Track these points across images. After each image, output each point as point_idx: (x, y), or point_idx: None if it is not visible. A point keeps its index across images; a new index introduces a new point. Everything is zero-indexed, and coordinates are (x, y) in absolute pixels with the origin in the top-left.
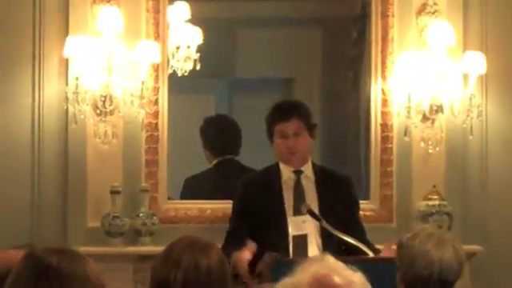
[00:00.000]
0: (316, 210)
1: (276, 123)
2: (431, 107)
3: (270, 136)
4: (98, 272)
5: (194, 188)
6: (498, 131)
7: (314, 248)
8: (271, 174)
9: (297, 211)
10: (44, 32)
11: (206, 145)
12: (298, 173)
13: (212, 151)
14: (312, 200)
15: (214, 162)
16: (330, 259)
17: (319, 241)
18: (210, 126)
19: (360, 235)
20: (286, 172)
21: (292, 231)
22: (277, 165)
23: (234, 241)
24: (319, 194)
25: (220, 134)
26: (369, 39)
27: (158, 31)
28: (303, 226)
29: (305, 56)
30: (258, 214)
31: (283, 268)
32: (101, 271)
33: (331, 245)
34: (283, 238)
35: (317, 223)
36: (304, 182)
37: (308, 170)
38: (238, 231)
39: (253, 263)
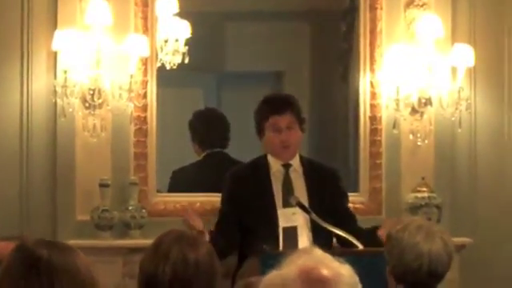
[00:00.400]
0: (305, 203)
1: (269, 117)
2: (420, 100)
3: (261, 130)
4: (89, 264)
5: (181, 180)
6: (487, 124)
7: (304, 240)
8: (259, 167)
9: (286, 203)
10: (32, 25)
11: (194, 138)
12: (286, 166)
13: (200, 144)
14: (301, 193)
15: (203, 155)
16: (318, 251)
17: (309, 233)
18: (199, 120)
19: (353, 224)
20: (275, 165)
21: (282, 223)
22: (265, 157)
23: (222, 228)
24: (308, 187)
25: (208, 128)
26: (357, 32)
27: (147, 25)
28: (293, 217)
29: (294, 50)
30: (248, 205)
31: (271, 261)
32: (91, 264)
33: (321, 237)
34: (273, 230)
35: (306, 215)
36: (292, 175)
37: (296, 163)
38: (227, 218)
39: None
